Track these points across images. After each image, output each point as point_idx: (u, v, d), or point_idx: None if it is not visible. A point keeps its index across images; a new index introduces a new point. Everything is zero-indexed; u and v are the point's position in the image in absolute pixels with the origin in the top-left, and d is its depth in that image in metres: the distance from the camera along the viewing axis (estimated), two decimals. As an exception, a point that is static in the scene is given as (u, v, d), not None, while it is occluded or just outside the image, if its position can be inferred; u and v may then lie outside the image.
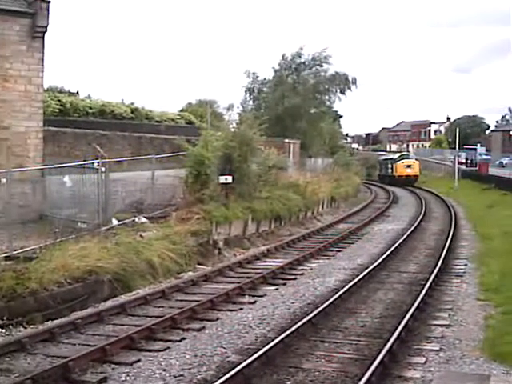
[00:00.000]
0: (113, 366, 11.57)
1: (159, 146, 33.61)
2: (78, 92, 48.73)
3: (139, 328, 13.36)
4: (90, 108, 38.47)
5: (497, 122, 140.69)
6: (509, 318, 14.56)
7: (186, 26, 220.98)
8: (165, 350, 12.44)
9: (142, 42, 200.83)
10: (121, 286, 17.38)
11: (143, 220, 22.65)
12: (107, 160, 22.07)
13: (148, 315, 15.25)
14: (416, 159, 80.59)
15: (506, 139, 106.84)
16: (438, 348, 12.51)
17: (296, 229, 33.15)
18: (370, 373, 10.30)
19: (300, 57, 61.19)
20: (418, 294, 16.25)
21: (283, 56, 61.65)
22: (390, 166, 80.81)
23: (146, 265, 18.88)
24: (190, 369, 11.29)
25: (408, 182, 73.22)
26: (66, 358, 11.41)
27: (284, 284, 19.13)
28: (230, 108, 59.69)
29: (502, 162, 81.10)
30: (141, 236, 20.49)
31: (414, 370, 11.24)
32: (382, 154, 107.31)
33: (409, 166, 76.36)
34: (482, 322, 14.55)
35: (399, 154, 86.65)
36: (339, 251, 25.55)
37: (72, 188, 21.71)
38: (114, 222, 21.48)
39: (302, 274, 20.65)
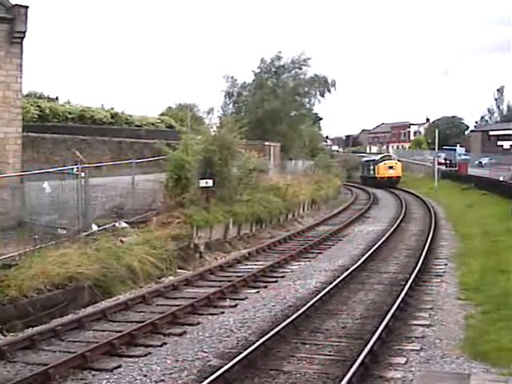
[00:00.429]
0: (93, 372, 11.54)
1: (139, 150, 33.49)
2: (57, 97, 48.44)
3: (120, 334, 13.31)
4: (70, 113, 38.25)
5: (476, 122, 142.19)
6: (489, 317, 14.67)
7: (165, 31, 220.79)
8: (146, 355, 12.40)
9: (122, 47, 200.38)
10: (101, 291, 17.30)
11: (123, 225, 22.56)
12: (86, 165, 21.99)
13: (129, 321, 15.21)
14: (398, 160, 80.00)
15: (486, 139, 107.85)
16: (418, 348, 12.58)
17: (277, 231, 33.21)
18: (351, 374, 10.35)
19: (279, 60, 61.48)
20: (399, 295, 16.34)
21: (262, 60, 61.89)
22: (372, 167, 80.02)
23: (127, 270, 18.81)
24: (171, 374, 11.27)
25: (390, 184, 72.45)
26: (46, 365, 11.37)
27: (265, 287, 19.13)
28: (210, 112, 59.71)
29: (481, 162, 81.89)
30: (121, 241, 20.42)
31: (395, 370, 11.30)
32: (363, 156, 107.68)
33: (391, 167, 75.81)
34: (463, 321, 14.64)
35: (381, 156, 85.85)
36: (320, 253, 25.61)
37: (51, 194, 21.60)
38: (94, 227, 21.37)
39: (283, 277, 20.68)
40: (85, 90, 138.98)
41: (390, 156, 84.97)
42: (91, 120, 39.20)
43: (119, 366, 11.74)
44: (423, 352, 12.32)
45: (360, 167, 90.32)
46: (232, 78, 62.68)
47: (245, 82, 63.11)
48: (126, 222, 22.93)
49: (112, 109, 44.11)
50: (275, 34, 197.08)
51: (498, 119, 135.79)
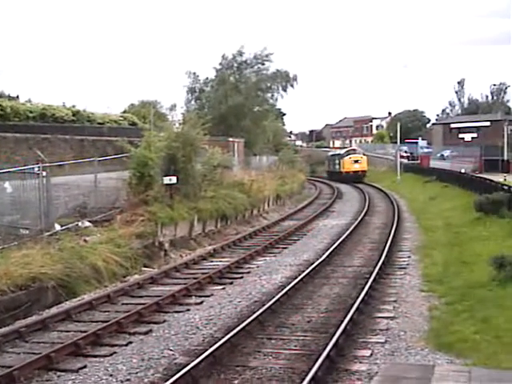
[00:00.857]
0: (58, 373, 11.47)
1: (102, 148, 33.19)
2: (18, 96, 47.84)
3: (85, 334, 13.23)
4: (31, 112, 37.68)
5: (437, 115, 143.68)
6: (453, 308, 14.91)
7: (126, 27, 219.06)
8: (111, 354, 12.35)
9: (82, 44, 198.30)
10: (65, 292, 17.17)
11: (87, 224, 22.37)
12: (48, 164, 21.76)
13: (94, 320, 15.11)
14: (364, 154, 77.90)
15: (447, 132, 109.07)
16: (383, 340, 12.73)
17: (242, 227, 33.22)
18: (317, 368, 10.43)
19: (241, 55, 61.55)
20: (363, 288, 16.50)
21: (223, 56, 61.93)
22: (337, 161, 77.88)
23: (91, 269, 18.68)
24: (137, 373, 11.25)
25: (356, 178, 70.54)
26: (10, 367, 11.26)
27: (231, 283, 19.14)
28: (172, 108, 59.71)
29: (442, 155, 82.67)
30: (85, 240, 20.26)
31: (360, 363, 11.44)
32: (326, 151, 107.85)
33: (356, 161, 73.81)
34: (427, 313, 14.85)
35: (346, 149, 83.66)
36: (285, 248, 25.69)
37: (13, 194, 21.31)
38: (57, 227, 21.17)
39: (248, 273, 20.71)
40: (46, 88, 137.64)
41: (355, 150, 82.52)
42: (53, 118, 38.68)
43: (84, 367, 11.69)
44: (388, 344, 12.47)
45: (326, 162, 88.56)
46: (194, 74, 62.64)
47: (207, 78, 63.13)
48: (89, 221, 22.73)
49: (73, 106, 43.57)
50: (237, 29, 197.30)
51: (459, 112, 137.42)
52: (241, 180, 37.98)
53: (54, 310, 16.03)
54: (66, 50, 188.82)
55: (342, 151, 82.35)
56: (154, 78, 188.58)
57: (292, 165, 65.01)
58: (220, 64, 61.97)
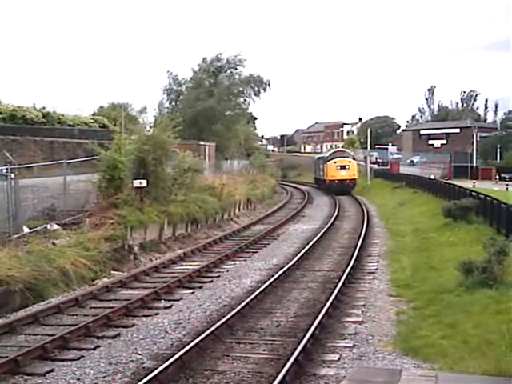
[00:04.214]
0: (25, 377, 11.36)
1: (72, 150, 32.98)
2: (-14, 97, 47.28)
3: (52, 337, 13.12)
4: (0, 113, 37.38)
5: (407, 121, 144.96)
6: (420, 313, 15.04)
7: (97, 28, 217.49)
8: (79, 358, 12.28)
9: (52, 45, 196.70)
10: (33, 295, 17.04)
11: (55, 227, 22.21)
12: (16, 166, 21.56)
13: (61, 324, 15.00)
14: (353, 158, 63.26)
15: (417, 138, 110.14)
16: (351, 344, 12.80)
17: (213, 231, 33.20)
18: (285, 372, 10.46)
19: (219, 61, 61.70)
20: (332, 292, 16.59)
21: (204, 59, 62.06)
22: (321, 167, 64.52)
23: (59, 273, 18.55)
24: (104, 377, 11.19)
25: (342, 189, 57.88)
26: (-24, 371, 11.13)
27: (200, 287, 19.12)
28: (143, 111, 59.48)
29: (412, 161, 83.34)
30: (53, 243, 20.11)
31: (328, 367, 11.48)
32: (297, 155, 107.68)
33: (343, 167, 59.58)
34: (394, 317, 14.96)
35: (331, 152, 67.94)
36: (255, 252, 25.74)
37: (-21, 196, 21.09)
38: (25, 229, 21.00)
39: (218, 277, 20.70)
40: (16, 89, 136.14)
41: (343, 152, 65.40)
42: (22, 120, 38.39)
43: (52, 370, 11.60)
44: (356, 349, 12.54)
45: (313, 167, 76.77)
46: (176, 75, 62.65)
47: (183, 79, 63.17)
48: (58, 224, 22.58)
49: (44, 108, 43.27)
50: (210, 33, 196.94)
51: (429, 118, 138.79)
52: (212, 184, 38.00)
53: (21, 314, 15.87)
54: (37, 50, 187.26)
55: (327, 154, 68.18)
56: (126, 80, 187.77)
57: (263, 169, 65.10)
58: (198, 65, 62.25)
